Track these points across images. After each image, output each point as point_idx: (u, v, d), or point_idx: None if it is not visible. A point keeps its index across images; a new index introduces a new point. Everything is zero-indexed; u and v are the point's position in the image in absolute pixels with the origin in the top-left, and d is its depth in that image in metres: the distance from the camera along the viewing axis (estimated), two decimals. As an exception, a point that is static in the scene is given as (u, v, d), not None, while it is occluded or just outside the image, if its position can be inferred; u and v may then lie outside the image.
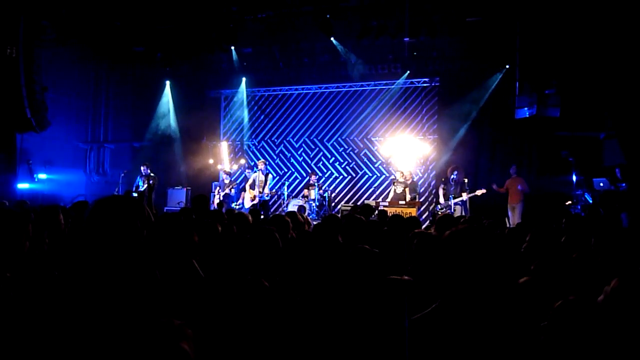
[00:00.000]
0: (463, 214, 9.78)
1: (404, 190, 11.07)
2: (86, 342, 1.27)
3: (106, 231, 1.49)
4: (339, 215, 11.27)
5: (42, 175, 12.43)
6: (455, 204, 10.36)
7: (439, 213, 9.85)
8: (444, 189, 10.77)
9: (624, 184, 9.26)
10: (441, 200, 10.71)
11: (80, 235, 1.51)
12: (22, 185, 11.57)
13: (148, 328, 1.27)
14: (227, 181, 11.72)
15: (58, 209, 4.28)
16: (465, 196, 10.46)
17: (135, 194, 11.03)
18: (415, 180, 11.65)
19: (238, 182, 13.42)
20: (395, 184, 11.29)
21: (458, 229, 1.86)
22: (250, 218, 5.30)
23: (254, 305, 2.44)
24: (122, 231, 1.50)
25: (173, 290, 2.87)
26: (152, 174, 11.95)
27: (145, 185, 11.56)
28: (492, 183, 10.80)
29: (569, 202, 10.02)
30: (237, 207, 11.41)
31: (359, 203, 13.17)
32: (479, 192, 10.48)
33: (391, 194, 11.35)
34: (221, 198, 11.30)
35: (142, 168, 12.00)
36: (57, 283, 1.48)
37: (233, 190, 11.46)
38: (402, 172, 11.42)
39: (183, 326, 1.32)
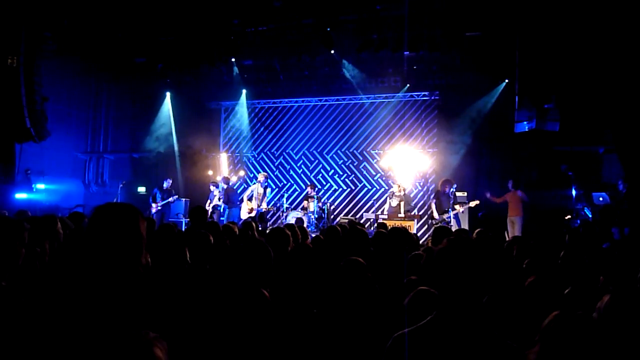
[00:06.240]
0: (458, 227, 9.70)
1: (398, 204, 10.97)
2: (66, 350, 1.27)
3: (109, 238, 1.49)
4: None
5: (41, 185, 12.41)
6: (449, 217, 10.26)
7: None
8: (436, 203, 10.51)
9: (624, 190, 9.22)
10: (435, 215, 10.41)
11: (81, 244, 1.51)
12: (21, 195, 11.54)
13: (123, 338, 1.30)
14: (216, 192, 11.72)
15: (56, 219, 4.26)
16: (459, 208, 10.39)
17: (155, 207, 11.44)
18: (407, 193, 11.51)
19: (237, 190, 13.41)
20: (391, 197, 11.20)
21: (451, 238, 1.86)
22: (236, 229, 5.29)
23: (251, 315, 2.41)
24: (125, 239, 1.50)
25: (168, 300, 2.84)
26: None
27: (172, 199, 11.77)
28: (487, 192, 10.71)
29: (569, 216, 9.98)
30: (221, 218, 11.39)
31: (357, 216, 13.15)
32: (472, 204, 10.40)
33: (387, 208, 11.27)
34: (210, 210, 11.31)
35: (165, 182, 12.10)
36: (53, 292, 1.48)
37: (221, 201, 11.45)
38: (399, 185, 11.34)
39: (158, 337, 1.36)
